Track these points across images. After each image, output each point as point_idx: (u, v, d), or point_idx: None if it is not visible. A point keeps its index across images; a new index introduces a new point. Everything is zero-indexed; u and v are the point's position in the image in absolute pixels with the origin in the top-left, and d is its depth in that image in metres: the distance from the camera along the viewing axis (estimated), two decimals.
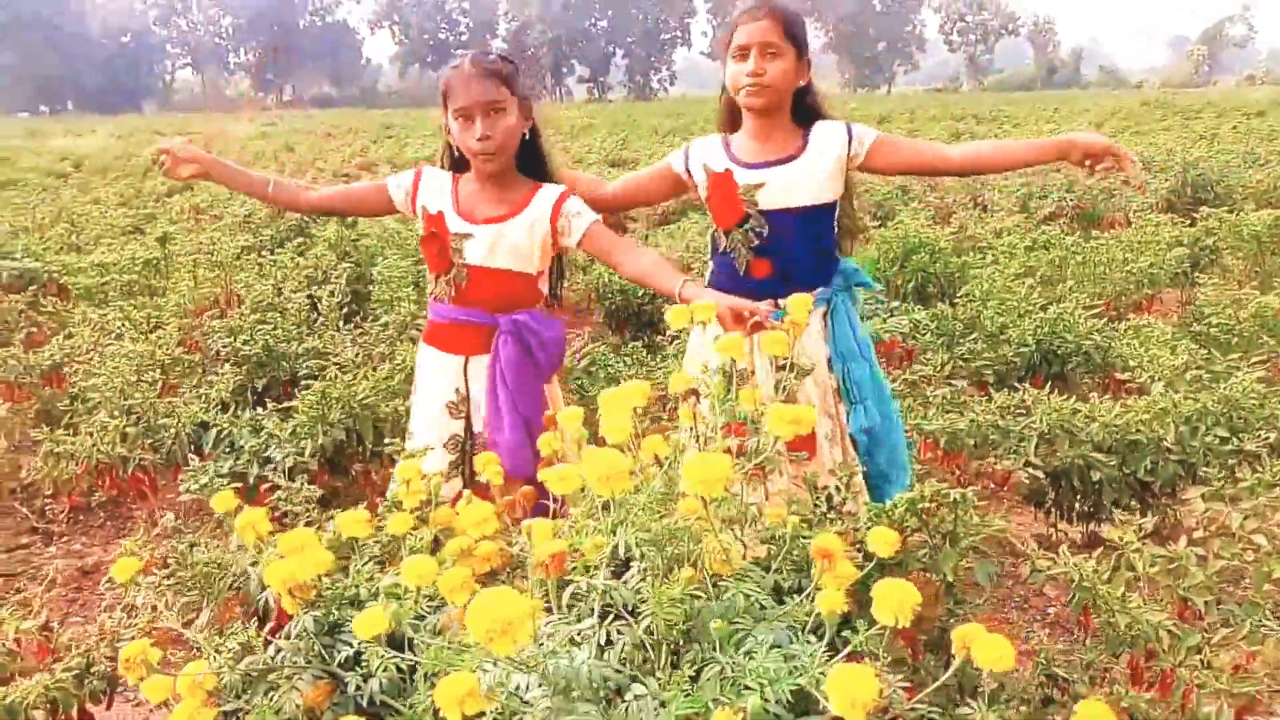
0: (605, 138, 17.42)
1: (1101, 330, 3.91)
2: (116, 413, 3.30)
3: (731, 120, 2.38)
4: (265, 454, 2.87)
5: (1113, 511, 2.67)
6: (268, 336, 3.95)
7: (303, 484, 2.11)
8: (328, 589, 1.61)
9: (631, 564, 1.46)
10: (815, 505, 1.83)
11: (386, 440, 2.63)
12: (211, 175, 2.35)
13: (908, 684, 1.32)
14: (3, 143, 24.65)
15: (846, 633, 1.26)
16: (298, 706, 1.46)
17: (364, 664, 1.42)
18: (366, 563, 1.72)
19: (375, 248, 6.10)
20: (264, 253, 6.19)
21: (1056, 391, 3.19)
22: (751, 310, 1.96)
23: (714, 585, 1.42)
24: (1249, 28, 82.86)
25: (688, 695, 1.17)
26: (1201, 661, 1.79)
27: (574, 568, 1.37)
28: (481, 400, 2.28)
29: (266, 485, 2.42)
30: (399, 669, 1.38)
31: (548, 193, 2.27)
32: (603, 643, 1.31)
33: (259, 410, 3.19)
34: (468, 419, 2.30)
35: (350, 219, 5.97)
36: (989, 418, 2.99)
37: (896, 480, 2.24)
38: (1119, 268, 5.26)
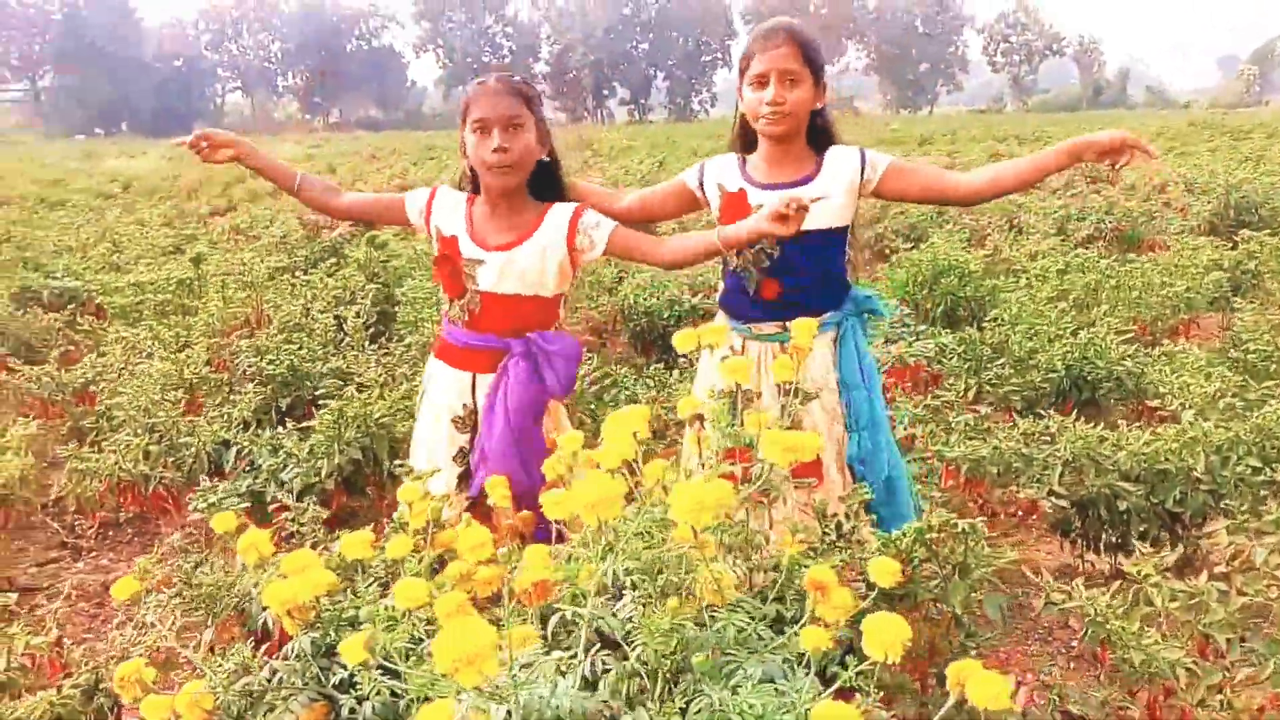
0: (644, 159, 17.46)
1: (1134, 356, 3.83)
2: (140, 431, 3.34)
3: (745, 141, 2.36)
4: (281, 473, 2.89)
5: (1141, 542, 2.59)
6: (293, 356, 3.99)
7: (309, 504, 2.12)
8: (326, 610, 1.61)
9: (625, 593, 1.44)
10: (825, 533, 1.80)
11: (396, 462, 2.63)
12: (243, 159, 2.38)
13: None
14: (60, 164, 25.34)
15: (850, 661, 1.23)
16: None
17: (358, 686, 1.41)
18: (370, 584, 1.72)
19: (404, 269, 6.14)
20: (297, 273, 6.27)
21: (1086, 419, 3.12)
22: (789, 203, 1.92)
23: (709, 616, 1.39)
24: None
25: None
26: (1222, 702, 1.73)
27: (562, 596, 1.35)
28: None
29: (277, 505, 2.43)
30: (393, 693, 1.37)
31: (559, 214, 2.24)
32: (588, 674, 1.29)
33: (280, 429, 3.22)
34: (474, 433, 2.30)
35: (379, 240, 6.03)
36: (1012, 445, 2.93)
37: (889, 517, 2.13)
38: (1155, 292, 5.15)
